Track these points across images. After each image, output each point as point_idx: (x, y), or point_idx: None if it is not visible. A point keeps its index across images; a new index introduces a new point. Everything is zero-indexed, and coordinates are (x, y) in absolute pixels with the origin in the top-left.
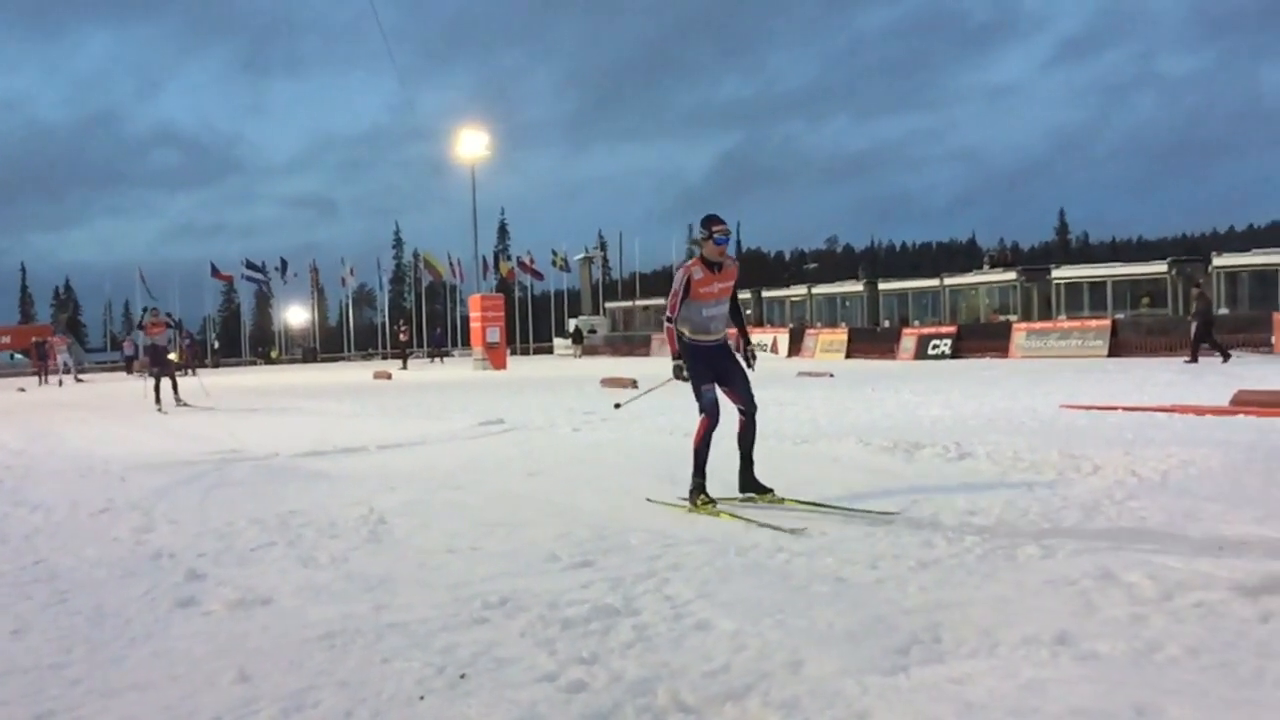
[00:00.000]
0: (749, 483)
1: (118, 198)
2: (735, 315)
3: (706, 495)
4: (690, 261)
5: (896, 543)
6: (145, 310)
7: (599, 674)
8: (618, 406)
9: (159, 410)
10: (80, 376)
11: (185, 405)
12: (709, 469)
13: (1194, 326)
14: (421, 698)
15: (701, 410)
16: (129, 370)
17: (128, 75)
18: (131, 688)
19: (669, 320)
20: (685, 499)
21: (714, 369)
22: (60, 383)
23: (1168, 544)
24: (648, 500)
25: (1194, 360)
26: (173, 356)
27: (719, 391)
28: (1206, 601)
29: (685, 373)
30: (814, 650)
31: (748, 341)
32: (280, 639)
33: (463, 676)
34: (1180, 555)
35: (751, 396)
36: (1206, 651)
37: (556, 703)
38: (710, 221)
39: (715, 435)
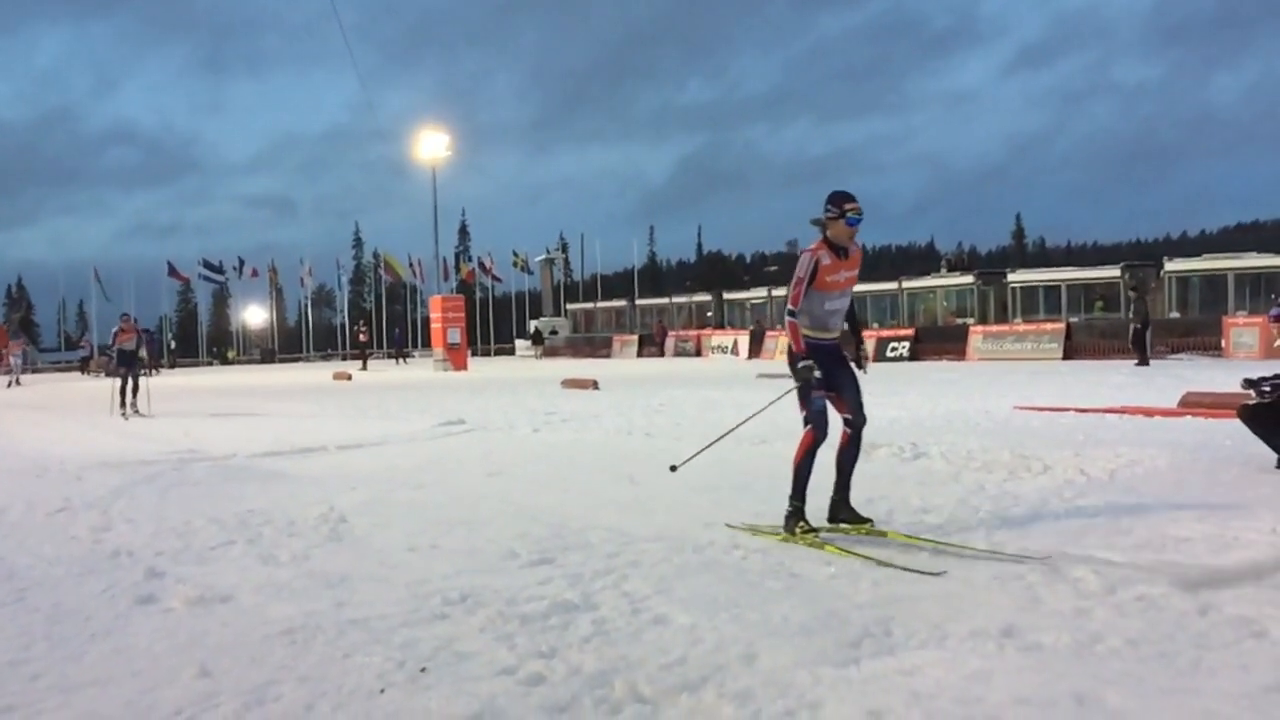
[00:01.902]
0: (843, 509)
1: (73, 196)
2: (849, 310)
3: (806, 523)
4: (814, 245)
5: (851, 539)
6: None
7: (557, 667)
8: (674, 469)
9: (123, 416)
10: (19, 380)
11: (138, 414)
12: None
13: (1132, 330)
14: (382, 691)
15: (807, 421)
16: (84, 370)
17: (84, 72)
18: (92, 683)
19: (792, 314)
20: (778, 527)
21: (825, 373)
22: (9, 385)
23: (1113, 540)
24: (727, 525)
25: (1144, 363)
26: (142, 353)
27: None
28: (1148, 595)
29: (817, 375)
30: (768, 643)
31: (860, 342)
32: (241, 635)
33: (423, 670)
34: (1124, 551)
35: (862, 406)
36: (1146, 643)
37: (515, 695)
38: (842, 198)
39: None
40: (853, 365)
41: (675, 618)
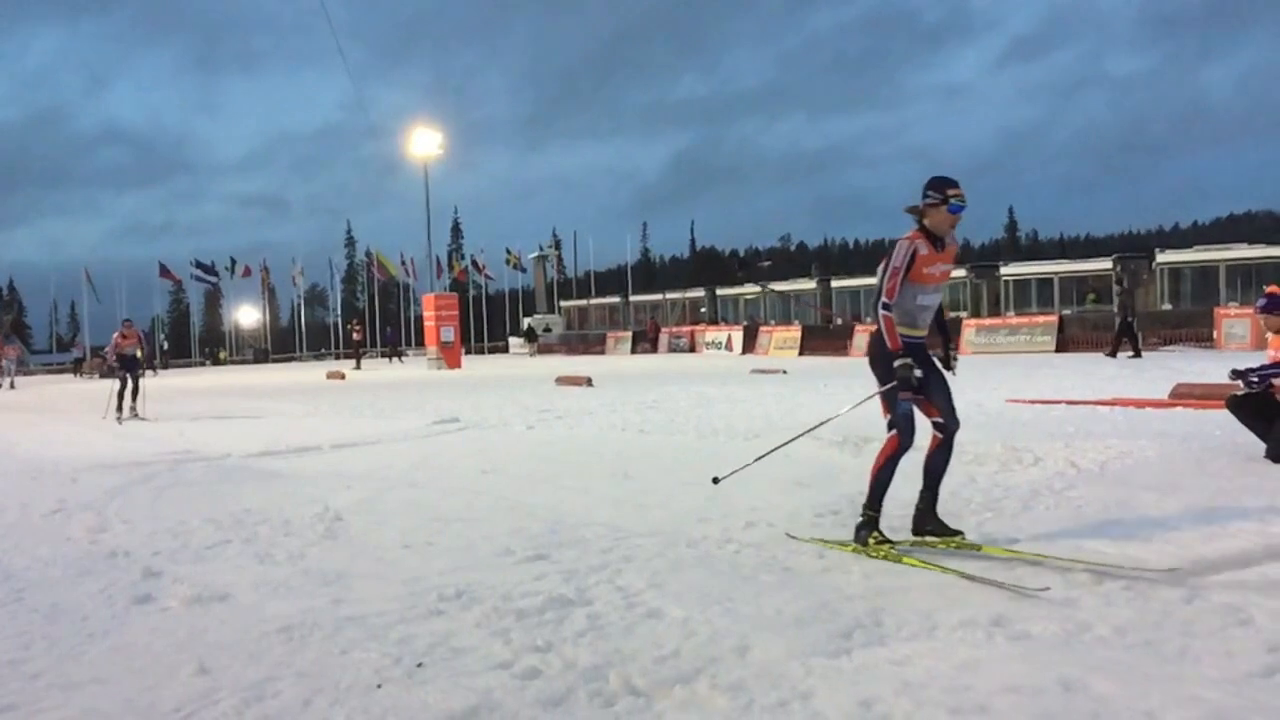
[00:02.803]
0: (930, 520)
1: (64, 196)
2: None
3: (881, 534)
4: (910, 234)
5: (843, 532)
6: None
7: (553, 661)
8: (716, 481)
9: (118, 420)
10: (14, 383)
11: (138, 418)
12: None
13: (1118, 322)
14: (379, 686)
15: (891, 425)
16: (77, 372)
17: (75, 72)
18: (92, 681)
19: (886, 307)
20: (848, 540)
21: None
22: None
23: (1102, 530)
24: (788, 535)
25: (1138, 355)
26: (138, 355)
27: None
28: (1136, 585)
29: (917, 374)
30: (761, 635)
31: (949, 341)
32: (239, 633)
33: (420, 665)
34: (1113, 541)
35: (954, 410)
36: (1133, 630)
37: (511, 689)
38: (944, 183)
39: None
40: (940, 365)
41: (669, 611)
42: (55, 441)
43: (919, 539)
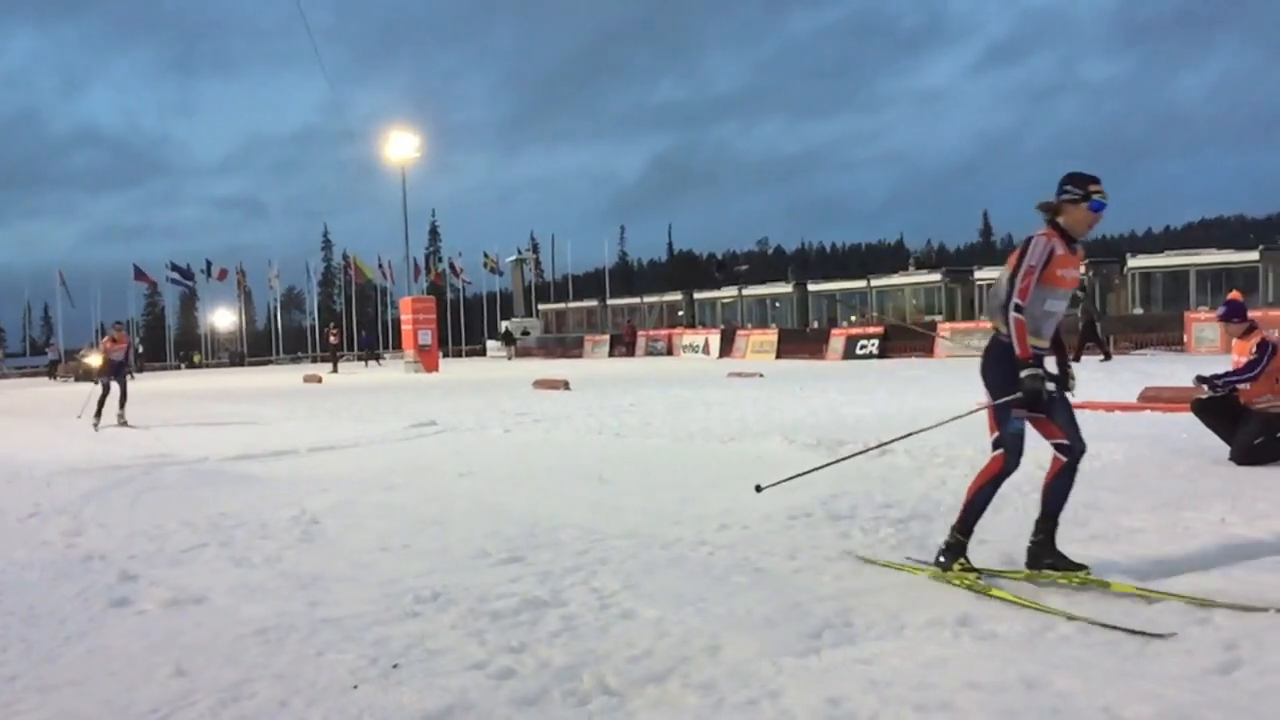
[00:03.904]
0: (1049, 553)
1: (38, 199)
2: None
3: (966, 560)
4: (1044, 231)
5: (815, 535)
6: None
7: (527, 661)
8: (759, 490)
9: (95, 427)
10: None
11: (125, 425)
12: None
13: (1080, 326)
14: (355, 687)
15: (998, 445)
16: (52, 375)
17: (50, 74)
18: (69, 684)
19: (1019, 310)
20: (927, 562)
21: None
22: None
23: (1068, 532)
24: (860, 559)
25: (1107, 357)
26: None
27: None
28: (1099, 585)
29: (1049, 388)
30: (732, 635)
31: (1067, 357)
32: (215, 635)
33: (395, 666)
34: (1079, 542)
35: (1079, 431)
36: (1095, 629)
37: (486, 689)
38: (1085, 179)
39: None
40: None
41: (642, 612)
42: (30, 445)
43: (1034, 573)
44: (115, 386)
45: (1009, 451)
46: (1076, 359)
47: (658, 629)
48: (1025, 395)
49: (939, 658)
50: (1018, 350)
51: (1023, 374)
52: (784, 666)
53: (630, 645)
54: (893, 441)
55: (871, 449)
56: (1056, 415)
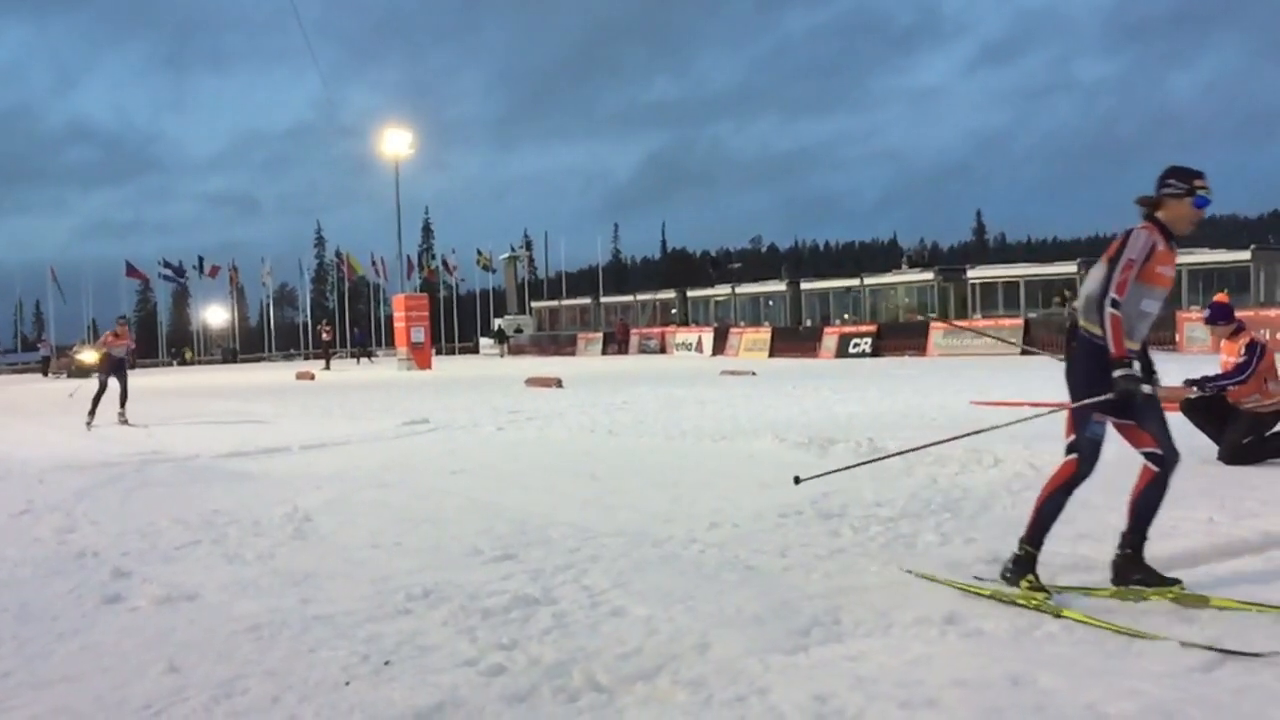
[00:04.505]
0: (1137, 568)
1: (30, 194)
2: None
3: (1035, 578)
4: (1144, 224)
5: (806, 533)
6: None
7: (518, 658)
8: (798, 481)
9: (88, 425)
10: None
11: (126, 423)
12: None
13: (1068, 327)
14: (347, 683)
15: (1073, 449)
16: (45, 372)
17: (43, 70)
18: (62, 680)
19: (1115, 305)
20: (989, 579)
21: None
22: None
23: (1056, 531)
24: (909, 572)
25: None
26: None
27: (1110, 428)
28: (1086, 582)
29: (1145, 389)
30: (722, 633)
31: (1151, 363)
32: (208, 632)
33: (387, 663)
34: (1066, 541)
35: (1172, 439)
36: (1082, 628)
37: (477, 685)
38: (1189, 173)
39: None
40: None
41: (632, 610)
42: (22, 442)
43: (1121, 590)
44: (114, 383)
45: (1083, 459)
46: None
47: (647, 626)
48: (1117, 396)
49: (925, 655)
50: (1112, 349)
51: (1116, 373)
52: (772, 664)
53: (620, 642)
54: (947, 441)
55: (920, 448)
56: (1147, 422)
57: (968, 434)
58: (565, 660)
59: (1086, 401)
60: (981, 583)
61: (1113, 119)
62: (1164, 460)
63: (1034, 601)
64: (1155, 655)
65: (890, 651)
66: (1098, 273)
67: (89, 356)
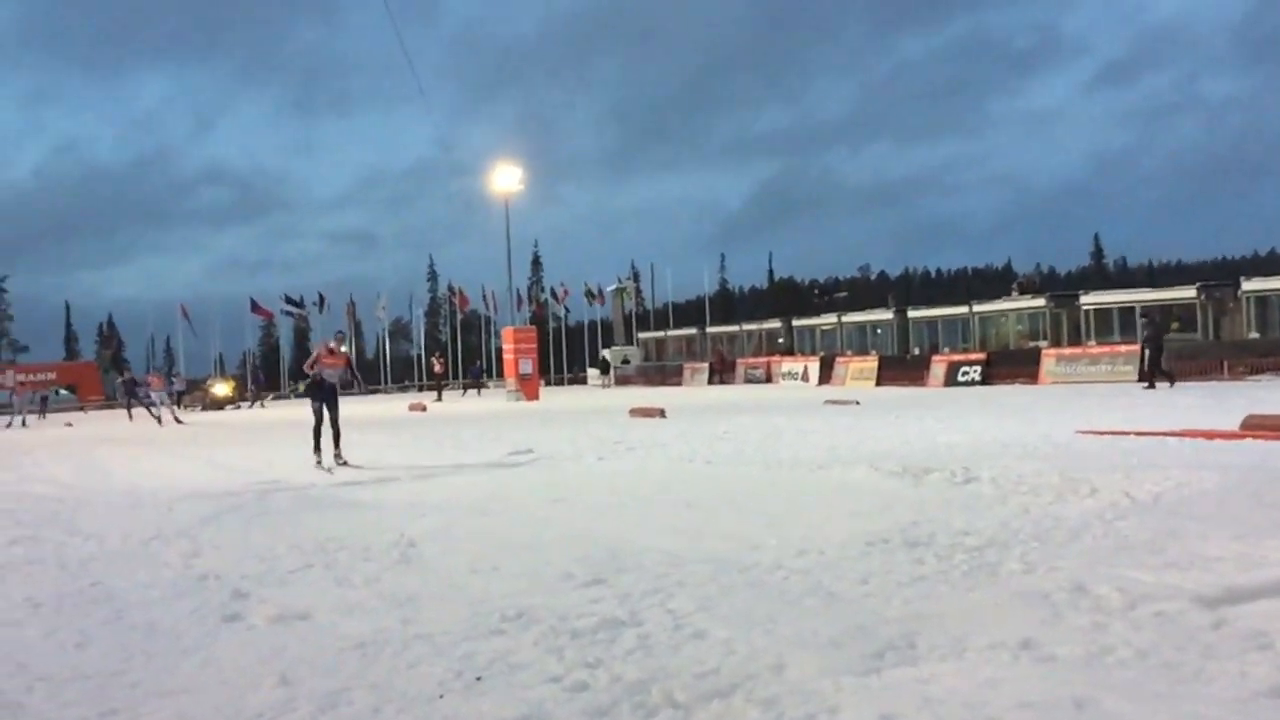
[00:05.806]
0: None
1: (165, 235)
2: None
3: None
4: None
5: (890, 560)
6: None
7: (601, 676)
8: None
9: (318, 464)
10: (180, 418)
11: (344, 464)
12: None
13: (1146, 353)
14: (441, 696)
15: None
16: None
17: (180, 117)
18: (184, 691)
19: None
20: None
21: None
22: (160, 420)
23: (1143, 559)
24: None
25: (1151, 386)
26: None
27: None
28: (1166, 611)
29: None
30: (798, 654)
31: None
32: (317, 649)
33: (479, 679)
34: (1152, 570)
35: None
36: (1155, 653)
37: (561, 700)
38: None
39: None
40: None
41: (714, 632)
42: (151, 472)
43: None
44: (326, 413)
45: None
46: (1151, 385)
47: (727, 648)
48: None
49: (996, 678)
50: None
51: None
52: (844, 685)
53: (699, 662)
54: None
55: None
56: None
57: None
58: (646, 679)
59: (1187, 429)
60: None
61: (1241, 138)
62: None
63: None
64: (1224, 681)
65: (961, 674)
66: None
67: (222, 390)
